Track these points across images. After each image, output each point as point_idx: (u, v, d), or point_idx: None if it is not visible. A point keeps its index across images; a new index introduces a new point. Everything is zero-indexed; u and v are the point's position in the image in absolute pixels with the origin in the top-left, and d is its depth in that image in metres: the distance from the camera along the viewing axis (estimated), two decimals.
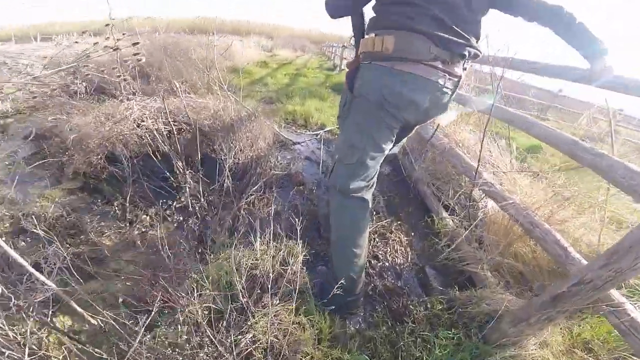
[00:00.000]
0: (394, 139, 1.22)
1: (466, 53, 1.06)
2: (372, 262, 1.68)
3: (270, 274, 1.26)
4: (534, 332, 1.24)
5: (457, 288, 1.55)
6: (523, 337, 1.25)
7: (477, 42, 1.11)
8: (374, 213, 2.02)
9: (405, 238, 1.92)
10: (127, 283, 1.26)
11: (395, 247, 1.82)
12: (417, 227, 2.07)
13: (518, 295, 1.49)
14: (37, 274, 0.87)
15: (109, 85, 3.22)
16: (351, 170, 1.22)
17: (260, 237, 1.49)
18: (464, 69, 1.14)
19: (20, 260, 0.84)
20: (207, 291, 1.08)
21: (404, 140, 1.44)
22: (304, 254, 1.54)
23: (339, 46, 8.70)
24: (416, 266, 1.75)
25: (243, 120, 2.27)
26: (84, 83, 2.66)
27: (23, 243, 1.38)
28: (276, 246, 1.49)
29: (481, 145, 1.89)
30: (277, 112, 3.51)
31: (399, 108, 1.11)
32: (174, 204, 1.63)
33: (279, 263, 1.40)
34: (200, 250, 1.44)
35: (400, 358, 1.22)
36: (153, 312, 0.94)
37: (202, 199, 1.66)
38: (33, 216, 1.56)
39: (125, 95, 2.46)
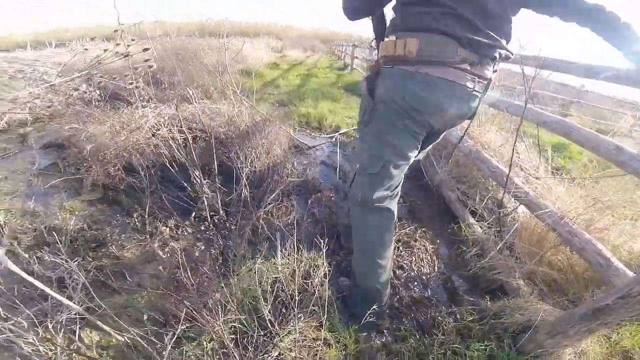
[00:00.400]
0: (419, 145, 1.18)
1: (496, 55, 1.01)
2: (397, 272, 1.63)
3: (294, 290, 1.24)
4: (571, 343, 1.20)
5: (487, 298, 1.49)
6: (560, 347, 1.21)
7: (507, 43, 1.05)
8: (398, 220, 1.96)
9: (431, 246, 1.86)
10: (151, 298, 1.26)
11: (421, 256, 1.77)
12: (443, 234, 2.01)
13: (554, 305, 1.43)
14: (59, 297, 0.87)
15: (123, 91, 3.29)
16: (373, 180, 1.19)
17: (281, 250, 1.47)
18: (494, 71, 1.09)
19: (42, 286, 0.84)
20: (232, 310, 1.06)
21: (430, 146, 1.38)
22: (325, 265, 1.53)
23: (349, 45, 8.63)
24: (443, 275, 1.70)
25: (258, 126, 2.26)
26: (97, 90, 2.71)
27: (47, 258, 1.40)
28: (298, 258, 1.47)
29: (512, 150, 1.81)
30: (291, 115, 3.49)
31: (424, 114, 1.06)
32: (193, 215, 1.63)
33: (301, 277, 1.37)
34: (221, 264, 1.42)
35: None
36: (178, 331, 0.93)
37: (221, 210, 1.66)
38: (55, 229, 1.59)
39: (140, 102, 2.50)
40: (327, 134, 3.12)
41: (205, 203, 1.60)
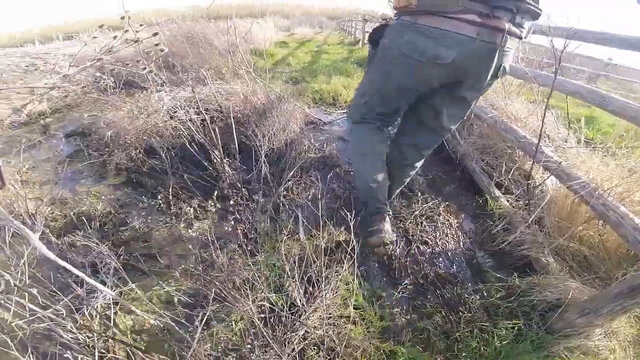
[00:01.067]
0: (414, 96, 1.23)
1: (512, 7, 0.96)
2: (421, 247, 1.61)
3: (320, 267, 1.24)
4: (603, 323, 1.17)
5: (515, 275, 1.46)
6: (591, 327, 1.18)
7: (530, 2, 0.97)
8: (420, 194, 1.92)
9: (456, 220, 1.82)
10: (181, 279, 1.29)
11: (445, 231, 1.73)
12: (467, 208, 1.95)
13: (584, 283, 1.38)
14: (94, 283, 0.89)
15: (137, 77, 3.29)
16: (360, 108, 1.39)
17: (304, 226, 1.47)
18: (520, 26, 1.02)
19: (77, 272, 0.86)
20: (261, 289, 1.07)
21: (460, 112, 1.26)
22: (345, 240, 1.52)
23: (359, 20, 8.27)
24: (469, 251, 1.66)
25: (273, 104, 2.22)
26: (111, 78, 2.71)
27: (79, 243, 1.45)
28: (321, 235, 1.46)
29: (542, 120, 1.69)
30: (304, 92, 3.41)
31: (414, 65, 1.09)
32: (215, 194, 1.64)
33: (324, 253, 1.37)
34: (247, 242, 1.43)
35: (455, 349, 1.17)
36: (208, 312, 0.94)
37: (242, 188, 1.66)
38: (84, 215, 1.65)
39: (154, 86, 2.49)
40: (342, 110, 3.04)
41: (227, 182, 1.59)
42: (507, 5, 0.95)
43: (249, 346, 0.98)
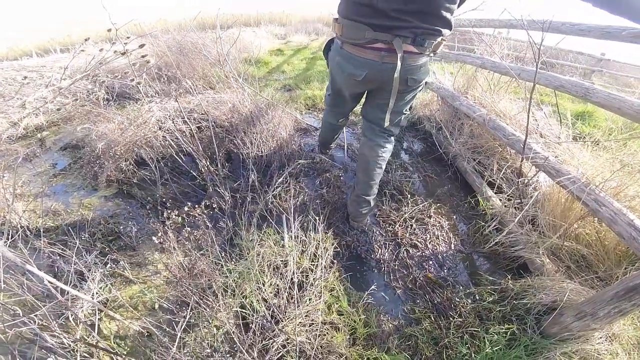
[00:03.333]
0: (356, 99, 1.65)
1: (409, 34, 1.18)
2: (411, 251, 1.59)
3: (301, 272, 1.23)
4: (600, 327, 1.11)
5: (508, 277, 1.43)
6: (588, 331, 1.14)
7: (435, 26, 1.18)
8: (410, 196, 1.91)
9: (447, 222, 1.80)
10: (164, 286, 1.29)
11: (436, 233, 1.71)
12: (459, 209, 1.93)
13: (582, 284, 1.34)
14: (74, 292, 0.90)
15: (129, 89, 3.33)
16: (327, 100, 1.81)
17: (288, 232, 1.46)
18: (421, 45, 1.21)
19: (61, 285, 0.87)
20: (236, 295, 1.07)
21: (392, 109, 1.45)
22: (333, 245, 1.51)
23: None
24: (461, 254, 1.64)
25: (262, 111, 2.22)
26: (102, 90, 2.75)
27: (69, 252, 1.46)
28: (304, 240, 1.45)
29: (528, 114, 1.68)
30: (297, 98, 3.42)
31: (343, 78, 1.44)
32: (202, 203, 1.64)
33: (308, 258, 1.36)
34: (229, 249, 1.43)
35: (444, 356, 1.14)
36: (186, 319, 0.94)
37: (228, 196, 1.66)
38: (75, 226, 1.67)
39: (145, 97, 2.52)
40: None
41: (213, 191, 1.60)
42: (406, 34, 1.18)
43: (227, 353, 0.97)
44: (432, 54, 1.32)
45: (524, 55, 2.75)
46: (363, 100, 1.66)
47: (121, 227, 1.68)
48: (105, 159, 1.97)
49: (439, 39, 1.24)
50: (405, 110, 1.54)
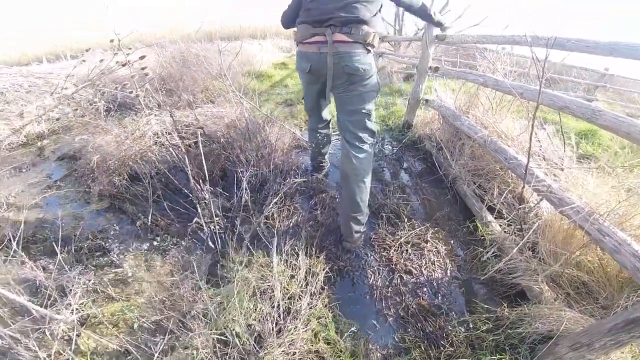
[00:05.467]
0: (316, 95, 1.85)
1: (335, 23, 1.47)
2: (405, 277, 1.57)
3: (284, 299, 1.22)
4: (596, 357, 1.09)
5: (505, 305, 1.41)
6: None
7: (352, 15, 1.47)
8: (407, 220, 1.90)
9: (444, 247, 1.78)
10: (146, 306, 1.29)
11: (432, 259, 1.69)
12: (457, 234, 1.92)
13: (582, 312, 1.32)
14: (44, 311, 0.90)
15: (133, 99, 3.42)
16: (305, 105, 2.02)
17: (278, 256, 1.46)
18: (349, 33, 1.49)
19: (34, 307, 0.88)
20: (217, 320, 1.06)
21: (352, 109, 1.64)
22: (325, 270, 1.50)
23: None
24: (457, 280, 1.62)
25: (260, 127, 2.26)
26: (102, 101, 2.82)
27: (51, 267, 1.47)
28: (295, 264, 1.45)
29: (530, 138, 1.68)
30: (297, 114, 3.48)
31: (301, 75, 1.81)
32: (193, 222, 1.65)
33: (297, 284, 1.36)
34: (215, 272, 1.43)
35: None
36: (164, 341, 0.94)
37: (220, 215, 1.67)
38: (63, 239, 1.68)
39: (146, 109, 2.58)
40: (334, 132, 3.08)
41: (204, 210, 1.61)
42: (334, 24, 1.48)
43: None
44: (369, 47, 1.55)
45: (528, 72, 2.77)
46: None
47: (108, 243, 1.70)
48: (99, 172, 2.00)
49: (366, 29, 1.50)
50: (364, 110, 1.62)
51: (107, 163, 1.99)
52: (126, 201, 1.98)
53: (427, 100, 2.91)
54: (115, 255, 1.60)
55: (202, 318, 1.04)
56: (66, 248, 1.62)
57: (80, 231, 1.76)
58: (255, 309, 1.22)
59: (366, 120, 1.63)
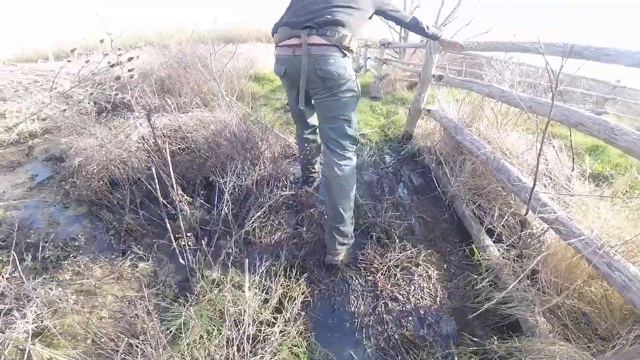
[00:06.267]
0: (295, 100, 1.70)
1: (311, 25, 1.45)
2: (390, 305, 1.48)
3: (252, 326, 1.13)
4: None
5: (494, 338, 1.31)
6: None
7: (332, 17, 1.46)
8: (398, 241, 1.80)
9: (436, 272, 1.68)
10: (104, 321, 1.23)
11: (422, 285, 1.59)
12: (452, 258, 1.81)
13: (579, 344, 1.24)
14: None
15: (118, 100, 3.39)
16: (291, 113, 2.05)
17: (252, 276, 1.38)
18: (325, 35, 1.45)
19: None
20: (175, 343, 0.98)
21: (330, 115, 1.63)
22: (304, 294, 1.41)
23: (361, 46, 8.41)
24: (446, 309, 1.51)
25: (251, 134, 2.20)
26: (91, 102, 2.79)
27: (17, 274, 1.42)
28: (271, 287, 1.37)
29: (537, 161, 1.56)
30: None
31: (279, 77, 1.71)
32: (168, 234, 1.58)
33: (271, 309, 1.27)
34: (183, 289, 1.36)
35: None
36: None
37: (197, 229, 1.60)
38: (33, 245, 1.63)
39: (137, 111, 2.54)
40: None
41: (176, 222, 1.54)
42: (311, 25, 1.45)
43: None
44: (345, 50, 1.50)
45: (539, 82, 2.65)
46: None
47: (78, 252, 1.64)
48: (78, 177, 1.95)
49: (342, 31, 1.47)
50: (343, 116, 1.60)
51: (87, 167, 1.94)
52: (104, 208, 1.92)
53: (429, 110, 2.82)
54: (82, 265, 1.54)
55: (159, 340, 0.97)
56: (36, 255, 1.56)
57: (52, 237, 1.71)
58: (220, 333, 1.14)
59: (346, 127, 1.62)
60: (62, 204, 2.05)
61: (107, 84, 3.40)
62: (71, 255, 1.60)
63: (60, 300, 1.35)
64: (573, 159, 2.10)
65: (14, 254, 1.39)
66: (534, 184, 1.57)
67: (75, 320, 1.29)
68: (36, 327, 1.20)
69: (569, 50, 1.52)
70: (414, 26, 1.85)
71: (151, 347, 0.95)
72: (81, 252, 1.65)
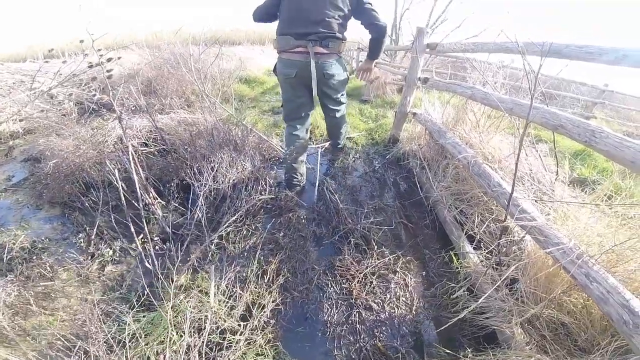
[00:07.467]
0: (301, 94, 2.07)
1: (316, 38, 1.85)
2: (364, 314, 1.45)
3: (215, 333, 1.10)
4: None
5: (468, 350, 1.28)
6: None
7: (329, 31, 1.86)
8: (377, 247, 1.78)
9: (413, 279, 1.66)
10: (65, 324, 1.20)
11: (398, 293, 1.57)
12: (431, 265, 1.79)
13: (555, 354, 1.21)
14: None
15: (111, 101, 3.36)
16: (285, 112, 2.21)
17: (222, 280, 1.35)
18: (327, 46, 1.89)
19: None
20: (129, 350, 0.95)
21: (329, 95, 2.15)
22: (275, 302, 1.38)
23: (354, 49, 8.40)
24: (422, 318, 1.49)
25: (230, 136, 2.17)
26: (71, 103, 2.76)
27: None
28: (241, 293, 1.34)
29: (516, 164, 1.54)
30: (281, 123, 3.39)
31: (284, 80, 2.02)
32: (140, 237, 1.55)
33: (237, 317, 1.24)
34: (153, 292, 1.32)
35: None
36: None
37: (170, 232, 1.57)
38: (1, 246, 1.60)
39: (122, 112, 2.51)
40: (316, 144, 2.98)
41: (156, 225, 1.51)
42: (314, 39, 1.85)
43: None
44: (340, 54, 2.00)
45: (520, 84, 2.63)
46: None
47: (46, 254, 1.61)
48: (52, 178, 1.92)
49: (338, 42, 1.93)
50: (340, 93, 2.20)
51: (61, 169, 1.90)
52: (77, 210, 1.89)
53: (414, 114, 2.81)
54: (49, 267, 1.50)
55: (114, 346, 0.94)
56: (1, 255, 1.53)
57: (21, 239, 1.67)
58: (179, 338, 1.11)
59: (341, 97, 2.23)
60: (35, 205, 2.02)
61: (92, 85, 3.36)
62: (38, 257, 1.57)
63: (21, 302, 1.32)
64: (557, 163, 2.09)
65: None
66: (512, 190, 1.55)
67: (33, 322, 1.26)
68: None
69: (548, 49, 1.48)
70: (381, 33, 1.98)
71: (103, 352, 0.92)
72: (48, 254, 1.62)
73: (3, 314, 1.24)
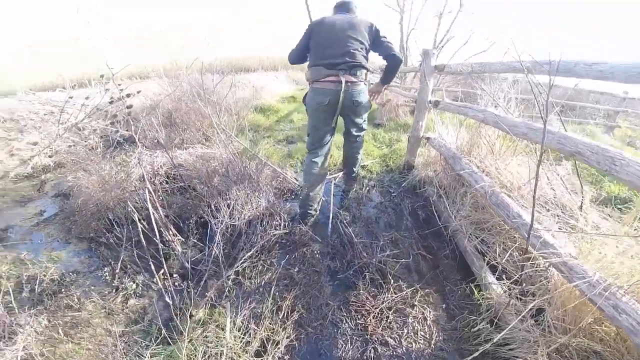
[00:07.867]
0: (330, 122, 2.27)
1: (345, 68, 2.11)
2: (380, 350, 1.46)
3: None
4: None
5: None
6: None
7: (355, 61, 2.14)
8: (393, 281, 1.80)
9: (432, 313, 1.67)
10: (91, 353, 1.30)
11: (416, 327, 1.58)
12: (451, 297, 1.79)
13: None
14: None
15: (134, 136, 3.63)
16: (309, 141, 2.35)
17: (237, 316, 1.41)
18: (355, 75, 2.15)
19: None
20: None
21: (355, 121, 2.44)
22: (289, 338, 1.43)
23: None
24: (441, 353, 1.48)
25: (246, 171, 2.30)
26: (95, 137, 3.00)
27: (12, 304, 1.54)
28: (255, 329, 1.40)
29: (534, 196, 1.54)
30: (296, 153, 3.53)
31: (315, 108, 2.21)
32: (161, 272, 1.66)
33: (252, 353, 1.30)
34: (168, 328, 1.41)
35: None
36: None
37: (189, 268, 1.67)
38: (32, 278, 1.76)
39: (142, 147, 2.72)
40: (331, 174, 3.07)
41: (176, 261, 1.62)
42: (344, 68, 2.10)
43: None
44: (365, 82, 2.25)
45: (535, 101, 2.57)
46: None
47: (73, 286, 1.75)
48: (79, 215, 2.09)
49: (364, 71, 2.22)
50: (362, 118, 2.45)
51: (87, 206, 2.08)
52: (102, 245, 2.04)
53: (428, 138, 2.87)
54: (76, 299, 1.63)
55: None
56: (34, 287, 1.68)
57: (51, 271, 1.82)
58: None
59: (363, 124, 2.50)
60: (65, 239, 2.20)
61: (117, 118, 3.65)
62: (66, 289, 1.70)
63: (50, 331, 1.44)
64: (582, 187, 2.06)
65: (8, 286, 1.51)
66: (532, 222, 1.54)
67: (61, 351, 1.36)
68: (25, 354, 1.30)
69: (557, 67, 1.47)
70: (395, 63, 2.30)
71: None
72: (76, 286, 1.75)
73: (36, 341, 1.35)
